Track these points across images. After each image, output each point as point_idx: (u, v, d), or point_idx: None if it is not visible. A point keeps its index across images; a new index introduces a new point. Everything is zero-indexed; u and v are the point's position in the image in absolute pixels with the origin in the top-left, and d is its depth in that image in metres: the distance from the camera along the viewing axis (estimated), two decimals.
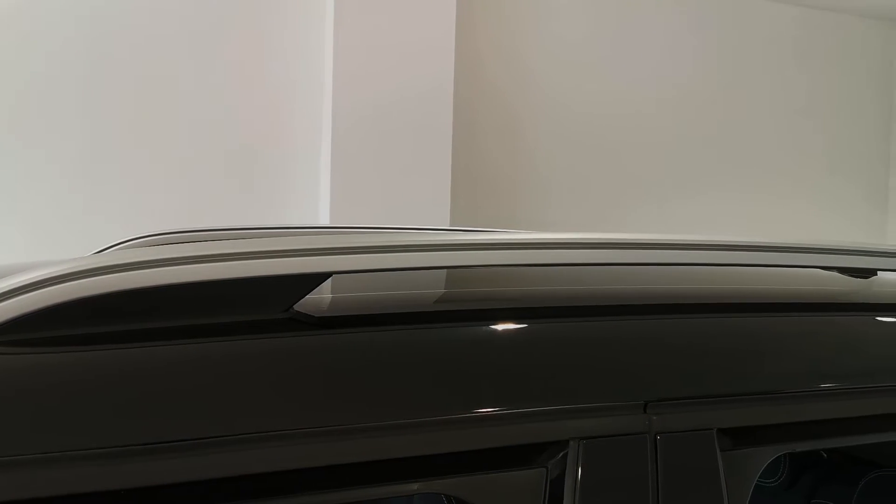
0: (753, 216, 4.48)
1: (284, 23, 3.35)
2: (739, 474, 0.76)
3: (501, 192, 3.88)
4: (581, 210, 4.06)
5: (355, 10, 3.17)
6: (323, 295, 0.89)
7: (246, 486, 0.60)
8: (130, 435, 0.58)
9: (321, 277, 0.70)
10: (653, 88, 4.21)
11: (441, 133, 3.32)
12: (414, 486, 0.65)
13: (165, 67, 3.18)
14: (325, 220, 3.25)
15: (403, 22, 3.23)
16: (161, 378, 0.62)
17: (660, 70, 4.23)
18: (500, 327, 0.78)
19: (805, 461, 1.49)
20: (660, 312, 0.90)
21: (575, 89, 4.03)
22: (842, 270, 1.35)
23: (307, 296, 0.71)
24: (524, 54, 3.91)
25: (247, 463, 0.60)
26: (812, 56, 4.63)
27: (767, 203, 4.52)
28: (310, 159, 3.38)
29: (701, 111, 4.35)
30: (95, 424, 0.58)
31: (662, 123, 4.24)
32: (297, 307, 0.72)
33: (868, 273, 1.33)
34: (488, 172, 3.84)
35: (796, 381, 0.84)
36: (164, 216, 3.14)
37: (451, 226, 2.99)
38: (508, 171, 3.89)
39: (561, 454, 0.70)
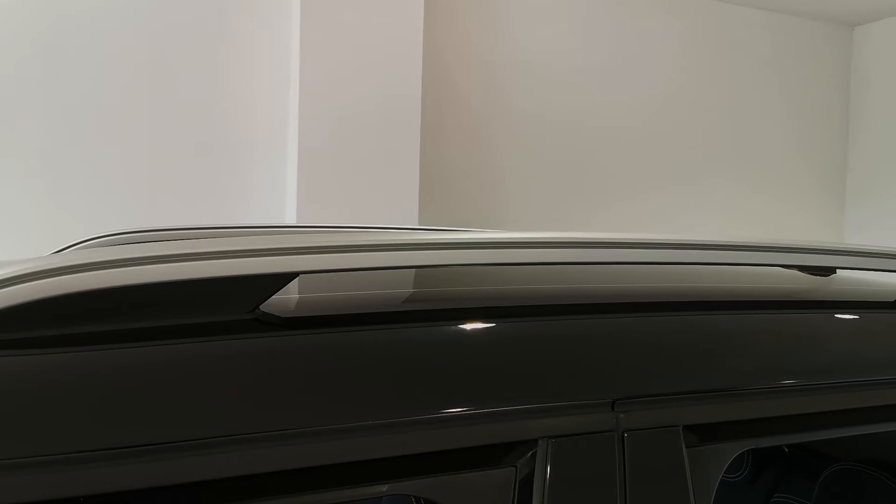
0: (715, 214, 4.56)
1: (250, 20, 3.31)
2: (705, 470, 0.77)
3: (470, 191, 3.89)
4: (547, 209, 4.09)
5: (322, 8, 3.15)
6: (290, 295, 0.88)
7: (211, 490, 0.59)
8: (90, 441, 0.56)
9: (287, 277, 0.69)
10: (615, 91, 4.26)
11: (409, 132, 3.31)
12: (383, 488, 0.65)
13: (129, 65, 3.12)
14: (291, 221, 3.22)
15: (371, 20, 3.22)
16: (122, 382, 0.61)
17: (623, 73, 4.28)
18: (468, 327, 0.78)
19: (768, 456, 1.52)
20: (626, 311, 0.90)
21: (541, 90, 4.06)
22: (802, 269, 1.38)
23: (273, 296, 0.70)
24: (491, 56, 3.93)
25: (212, 467, 0.59)
26: (772, 58, 4.73)
27: (729, 201, 4.61)
28: (276, 158, 3.34)
29: (663, 112, 4.41)
30: (55, 430, 0.56)
31: (626, 124, 4.30)
32: (263, 308, 0.71)
33: (827, 271, 1.36)
34: (456, 172, 3.84)
35: (759, 378, 0.86)
36: (125, 216, 3.08)
37: (419, 225, 2.98)
38: (476, 171, 3.90)
39: (530, 453, 0.70)
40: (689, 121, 4.47)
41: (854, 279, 1.34)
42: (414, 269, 1.12)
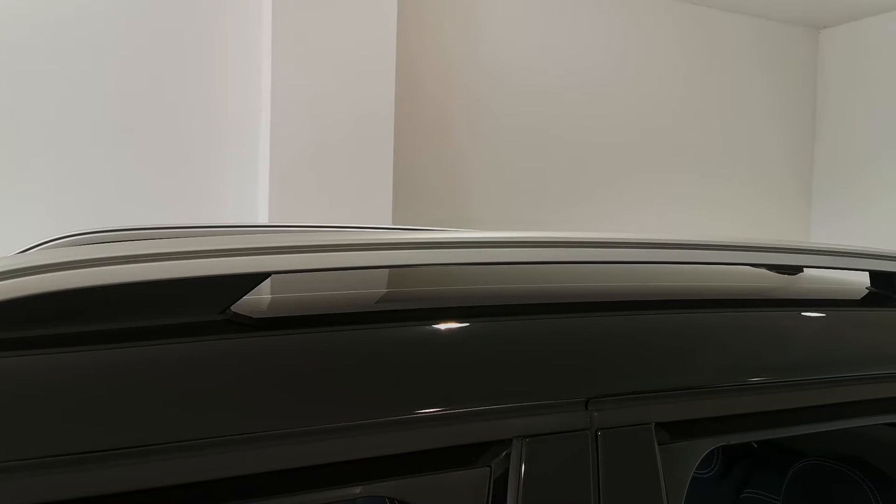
0: (685, 212, 4.62)
1: (221, 22, 3.27)
2: (677, 466, 0.78)
3: (442, 192, 3.89)
4: (519, 210, 4.11)
5: (293, 9, 3.12)
6: (261, 296, 0.87)
7: (182, 494, 0.58)
8: (56, 446, 0.55)
9: (259, 278, 0.68)
10: (584, 93, 4.29)
11: (382, 132, 3.30)
12: (357, 490, 0.64)
13: (100, 66, 3.06)
14: (263, 222, 3.19)
15: (343, 21, 3.20)
16: (90, 386, 0.60)
17: (592, 76, 4.32)
18: (441, 327, 0.78)
19: (738, 452, 1.54)
20: (598, 310, 0.91)
21: (512, 93, 4.08)
22: (770, 267, 1.40)
23: (244, 297, 0.69)
24: (462, 60, 3.93)
25: (184, 471, 0.58)
26: (742, 59, 4.80)
27: (699, 198, 4.67)
28: (247, 161, 3.31)
29: (634, 112, 4.45)
30: (21, 435, 0.55)
31: (596, 125, 4.33)
32: (234, 308, 0.70)
33: (795, 270, 1.38)
34: (429, 173, 3.84)
35: (730, 376, 0.87)
36: (93, 216, 3.03)
37: (393, 225, 2.98)
38: (449, 173, 3.91)
39: (504, 453, 0.70)
40: (658, 121, 4.52)
41: (821, 277, 1.37)
42: (388, 269, 1.12)
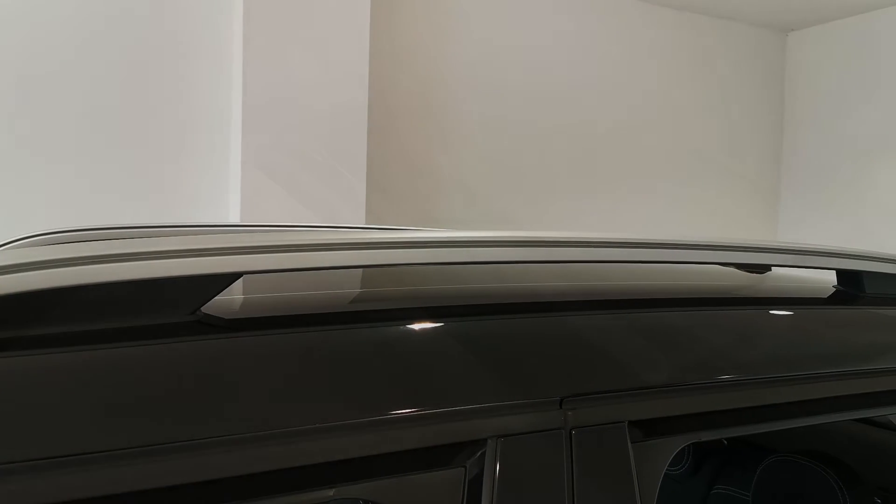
0: (657, 211, 4.67)
1: (192, 15, 3.23)
2: (649, 464, 0.78)
3: (417, 190, 3.88)
4: (491, 209, 4.12)
5: (266, 9, 3.09)
6: (233, 296, 0.86)
7: (149, 499, 0.57)
8: (24, 450, 0.54)
9: (230, 278, 0.67)
10: (555, 93, 4.32)
11: (356, 130, 3.28)
12: (330, 493, 0.64)
13: (71, 65, 3.01)
14: (235, 220, 3.15)
15: (316, 15, 3.17)
16: (60, 389, 0.58)
17: (566, 75, 4.34)
18: (415, 327, 0.77)
19: (709, 449, 1.56)
20: (570, 309, 0.91)
21: (485, 92, 4.08)
22: (739, 266, 1.42)
23: (215, 297, 0.68)
24: (437, 58, 3.93)
25: (153, 475, 0.57)
26: (712, 61, 4.86)
27: (668, 200, 4.72)
28: (219, 160, 3.27)
29: (606, 112, 4.49)
30: None
31: (567, 122, 4.36)
32: (204, 309, 0.69)
33: (763, 269, 1.40)
34: (404, 170, 3.83)
35: (701, 373, 0.88)
36: (61, 215, 2.97)
37: (366, 224, 2.96)
38: (424, 170, 3.90)
39: (479, 453, 0.70)
40: (631, 120, 4.56)
41: (789, 276, 1.39)
42: (360, 270, 1.11)
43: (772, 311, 1.05)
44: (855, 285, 1.14)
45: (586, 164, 4.42)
